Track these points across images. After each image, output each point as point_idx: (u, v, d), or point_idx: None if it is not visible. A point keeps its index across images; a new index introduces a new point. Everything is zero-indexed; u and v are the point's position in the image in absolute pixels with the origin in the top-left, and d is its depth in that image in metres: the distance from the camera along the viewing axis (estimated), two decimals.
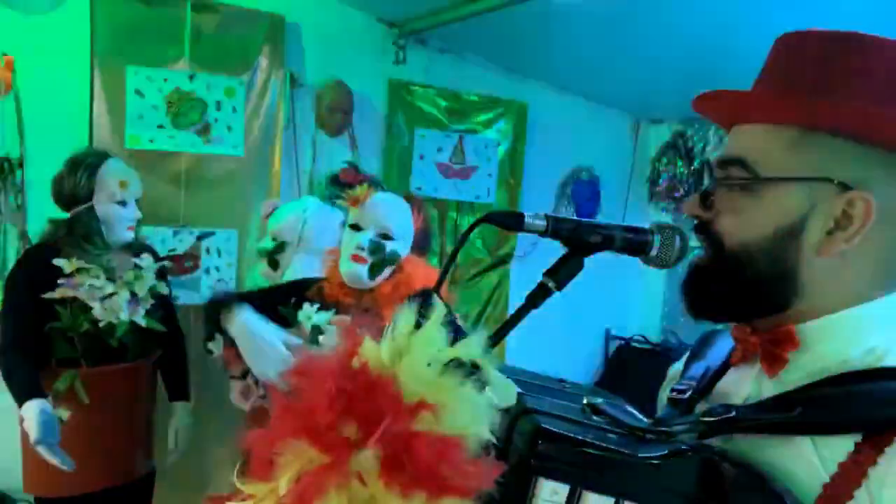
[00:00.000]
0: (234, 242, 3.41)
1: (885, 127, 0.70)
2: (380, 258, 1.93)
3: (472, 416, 0.72)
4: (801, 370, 0.74)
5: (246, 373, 2.26)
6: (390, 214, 1.97)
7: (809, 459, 0.68)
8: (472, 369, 0.74)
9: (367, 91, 3.82)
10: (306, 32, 3.63)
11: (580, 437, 0.71)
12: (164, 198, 3.29)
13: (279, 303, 1.96)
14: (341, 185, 3.62)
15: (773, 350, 0.76)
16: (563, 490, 0.70)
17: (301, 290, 2.02)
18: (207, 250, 3.38)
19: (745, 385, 0.81)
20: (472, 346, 0.75)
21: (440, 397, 0.72)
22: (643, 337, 4.83)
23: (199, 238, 3.36)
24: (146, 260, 2.37)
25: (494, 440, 0.73)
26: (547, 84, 4.32)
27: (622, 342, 4.86)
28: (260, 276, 2.45)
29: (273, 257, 2.33)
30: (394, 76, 3.88)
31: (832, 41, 0.76)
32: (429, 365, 0.74)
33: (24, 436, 2.28)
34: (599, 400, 0.79)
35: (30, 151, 3.05)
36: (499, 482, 0.68)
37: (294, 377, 0.77)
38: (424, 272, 2.00)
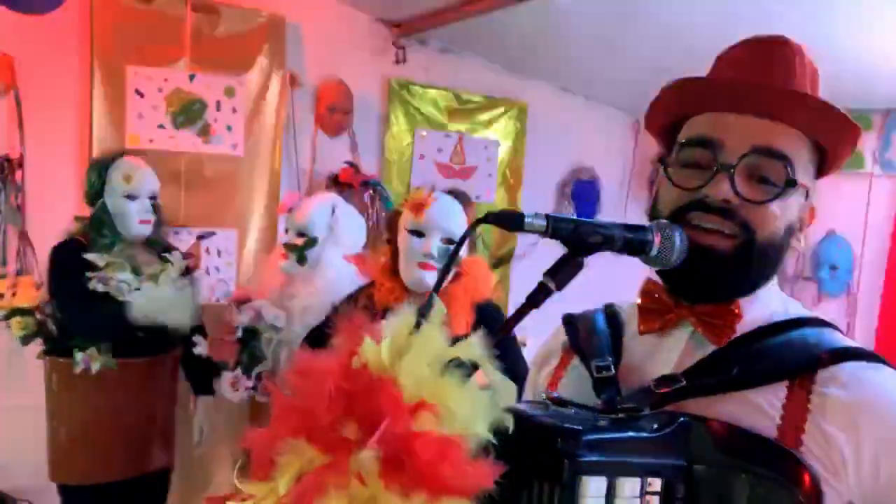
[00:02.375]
0: (234, 242, 3.41)
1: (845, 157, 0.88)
2: (447, 264, 1.94)
3: (472, 416, 0.72)
4: (736, 334, 0.86)
5: (236, 364, 2.27)
6: (452, 219, 1.99)
7: (761, 408, 0.79)
8: (471, 369, 0.74)
9: (367, 91, 3.82)
10: (306, 32, 3.63)
11: (594, 433, 0.74)
12: (164, 198, 3.27)
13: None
14: (341, 185, 3.65)
15: (716, 322, 0.85)
16: (602, 484, 0.73)
17: (353, 303, 2.04)
18: (207, 250, 3.38)
19: (670, 352, 0.89)
20: (472, 346, 0.75)
21: (440, 397, 0.72)
22: None
23: (199, 238, 3.36)
24: (176, 255, 2.44)
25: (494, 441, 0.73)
26: (547, 84, 4.31)
27: None
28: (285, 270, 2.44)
29: (303, 253, 2.34)
30: (394, 76, 3.88)
31: (805, 57, 0.90)
32: (429, 365, 0.74)
33: (52, 428, 2.31)
34: (555, 394, 0.86)
35: (30, 151, 3.05)
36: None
37: (294, 377, 0.77)
38: (484, 273, 2.04)
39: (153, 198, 2.45)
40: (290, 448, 0.72)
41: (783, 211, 0.83)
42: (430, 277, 1.96)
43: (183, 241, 3.32)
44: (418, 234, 1.98)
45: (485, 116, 4.19)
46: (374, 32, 3.79)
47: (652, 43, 3.38)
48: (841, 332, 0.88)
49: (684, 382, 0.82)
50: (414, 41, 3.85)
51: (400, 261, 1.99)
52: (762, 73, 0.86)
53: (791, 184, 0.82)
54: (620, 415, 0.80)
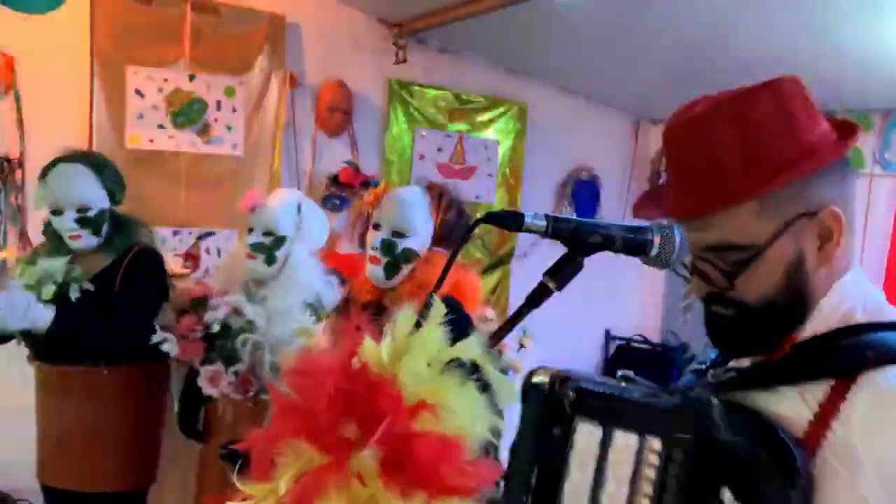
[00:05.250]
0: (234, 242, 3.41)
1: (811, 165, 0.86)
2: (392, 257, 1.93)
3: (472, 416, 0.72)
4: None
5: (212, 360, 2.23)
6: (403, 211, 1.94)
7: (797, 404, 0.83)
8: (472, 369, 0.74)
9: (367, 91, 3.82)
10: (306, 32, 3.63)
11: (607, 392, 0.86)
12: (164, 198, 3.29)
13: None
14: (341, 185, 3.65)
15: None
16: (597, 431, 0.83)
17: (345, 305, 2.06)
18: (207, 250, 3.38)
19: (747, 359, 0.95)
20: (472, 346, 0.75)
21: (440, 397, 0.72)
22: (643, 337, 4.83)
23: (199, 238, 3.36)
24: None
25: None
26: (547, 84, 4.31)
27: (622, 342, 4.86)
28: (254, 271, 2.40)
29: (272, 253, 2.31)
30: (394, 76, 3.88)
31: (718, 117, 0.87)
32: (429, 365, 0.74)
33: (38, 429, 2.32)
34: (631, 373, 0.92)
35: (30, 151, 3.05)
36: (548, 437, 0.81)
37: (294, 377, 0.77)
38: (449, 275, 1.98)
39: (83, 210, 2.21)
40: (290, 448, 0.72)
41: (769, 267, 0.86)
42: (377, 270, 1.94)
43: (183, 240, 3.32)
44: (376, 227, 1.96)
45: (485, 116, 4.19)
46: (374, 32, 3.79)
47: (652, 43, 3.38)
48: None
49: (734, 374, 0.90)
50: (414, 41, 3.84)
51: None
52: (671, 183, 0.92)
53: (741, 261, 0.85)
54: (665, 394, 0.87)
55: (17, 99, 3.02)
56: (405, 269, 1.94)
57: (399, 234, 1.93)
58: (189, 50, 3.29)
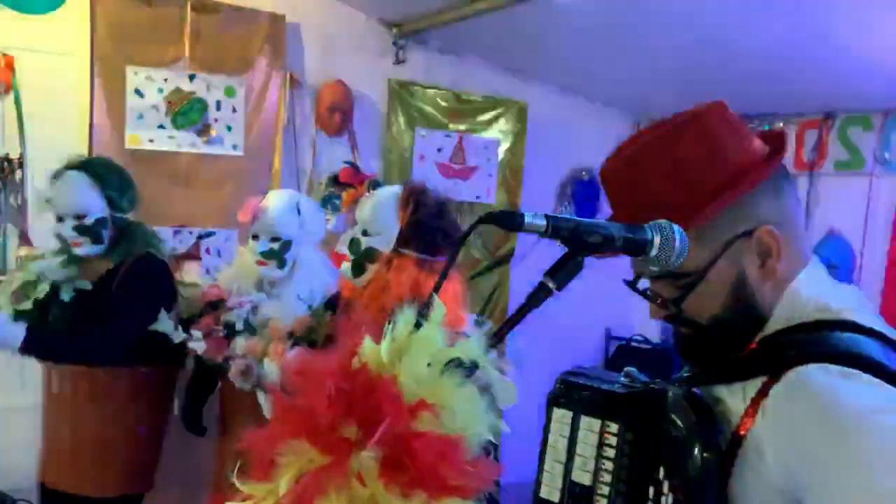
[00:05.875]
0: (234, 242, 3.41)
1: (740, 190, 0.90)
2: (357, 256, 1.97)
3: (472, 416, 0.73)
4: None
5: (227, 359, 2.25)
6: (367, 211, 1.98)
7: (739, 398, 0.90)
8: (472, 369, 0.74)
9: (367, 91, 3.82)
10: (306, 32, 3.63)
11: (581, 382, 1.00)
12: (164, 198, 3.29)
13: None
14: (341, 185, 3.65)
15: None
16: (568, 415, 0.99)
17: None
18: (207, 250, 3.38)
19: None
20: (472, 346, 0.75)
21: (440, 397, 0.72)
22: (643, 337, 4.83)
23: (199, 238, 3.36)
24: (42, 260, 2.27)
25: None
26: (547, 84, 4.31)
27: (622, 342, 4.86)
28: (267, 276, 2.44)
29: (282, 257, 2.37)
30: (394, 76, 3.88)
31: (647, 157, 0.96)
32: (429, 365, 0.74)
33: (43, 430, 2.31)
34: (633, 369, 1.02)
35: (30, 151, 3.05)
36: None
37: (294, 377, 0.77)
38: (409, 278, 1.88)
39: (80, 216, 2.20)
40: (290, 448, 0.72)
41: (712, 288, 0.93)
42: (346, 267, 2.00)
43: (183, 241, 3.32)
44: (355, 224, 2.05)
45: (485, 116, 4.18)
46: (374, 32, 3.80)
47: (652, 43, 3.38)
48: (885, 338, 0.88)
49: (693, 372, 1.01)
50: (414, 41, 3.85)
51: None
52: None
53: (686, 286, 0.92)
54: (640, 386, 0.99)
55: (17, 99, 3.02)
56: (370, 270, 1.95)
57: (366, 233, 1.97)
58: (189, 50, 3.29)
